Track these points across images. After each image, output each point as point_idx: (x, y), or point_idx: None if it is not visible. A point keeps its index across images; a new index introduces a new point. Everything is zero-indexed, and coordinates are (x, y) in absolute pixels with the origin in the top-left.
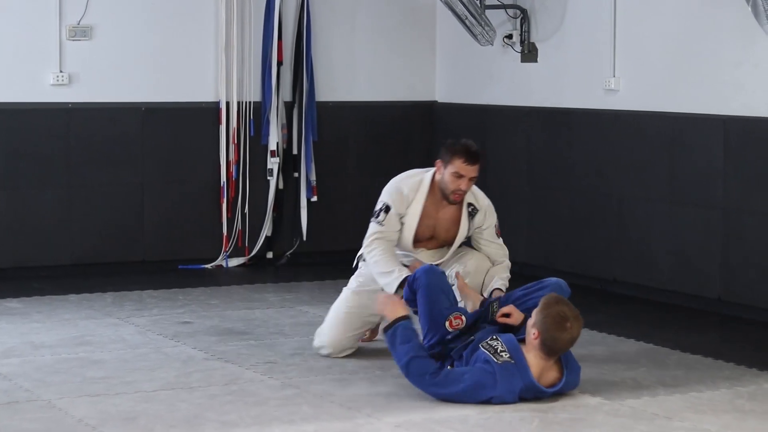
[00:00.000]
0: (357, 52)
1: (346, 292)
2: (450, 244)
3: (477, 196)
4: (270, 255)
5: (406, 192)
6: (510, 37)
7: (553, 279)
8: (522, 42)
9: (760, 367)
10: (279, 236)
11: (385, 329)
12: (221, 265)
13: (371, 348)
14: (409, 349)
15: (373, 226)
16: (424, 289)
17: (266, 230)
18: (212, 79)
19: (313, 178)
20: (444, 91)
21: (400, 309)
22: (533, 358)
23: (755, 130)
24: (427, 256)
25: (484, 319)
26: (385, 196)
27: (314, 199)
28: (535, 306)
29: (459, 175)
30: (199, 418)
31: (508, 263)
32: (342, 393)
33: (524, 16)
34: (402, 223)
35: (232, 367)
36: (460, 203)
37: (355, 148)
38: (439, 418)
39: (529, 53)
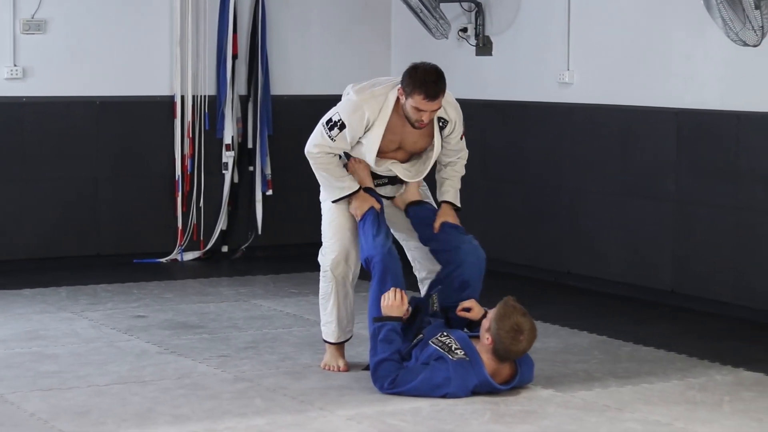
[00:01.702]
0: (312, 45)
1: (328, 206)
2: (417, 154)
3: (446, 107)
4: (225, 249)
5: (368, 115)
6: (465, 30)
7: (470, 249)
8: (477, 35)
9: (711, 359)
10: (234, 230)
11: (375, 320)
12: (176, 259)
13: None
14: (386, 349)
15: (322, 136)
16: (378, 278)
17: (221, 224)
18: (167, 72)
19: (268, 171)
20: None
21: (367, 203)
22: (487, 359)
23: (707, 122)
24: (400, 170)
25: (425, 311)
26: (344, 111)
27: (269, 192)
28: (460, 287)
29: (419, 110)
30: (151, 411)
31: (463, 163)
32: (295, 386)
33: (479, 10)
34: (359, 143)
35: (185, 360)
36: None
37: None
38: (391, 410)
39: (484, 47)
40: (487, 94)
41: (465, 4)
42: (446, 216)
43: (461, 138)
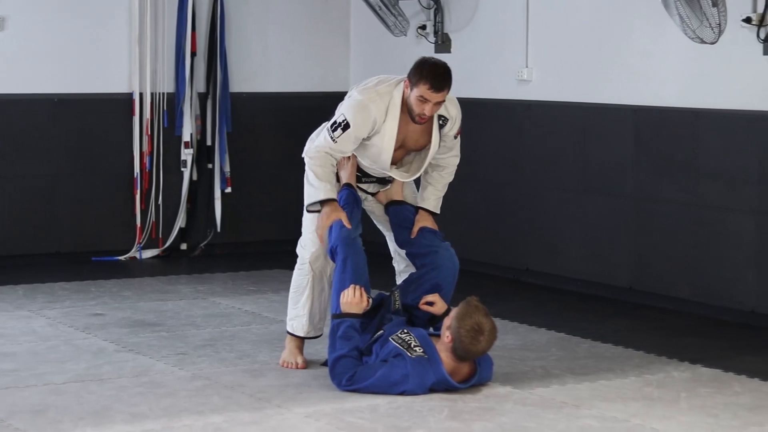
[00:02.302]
0: (271, 42)
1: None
2: (418, 151)
3: (447, 105)
4: (184, 246)
5: (374, 115)
6: (423, 27)
7: (444, 258)
8: (435, 33)
9: (669, 355)
10: (193, 228)
11: (334, 317)
12: (135, 257)
13: (282, 339)
14: (344, 346)
15: (325, 138)
16: (339, 266)
17: (180, 222)
18: (125, 70)
19: (227, 169)
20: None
21: (334, 216)
22: (446, 358)
23: (665, 119)
24: (397, 174)
25: (387, 307)
26: (349, 111)
27: (228, 190)
28: (431, 289)
29: (424, 100)
30: (108, 409)
31: (451, 170)
32: (252, 384)
33: (438, 7)
34: (370, 145)
35: (142, 358)
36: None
37: (269, 139)
38: (349, 407)
39: (443, 44)
40: None
41: (424, 2)
42: (425, 221)
43: (456, 136)
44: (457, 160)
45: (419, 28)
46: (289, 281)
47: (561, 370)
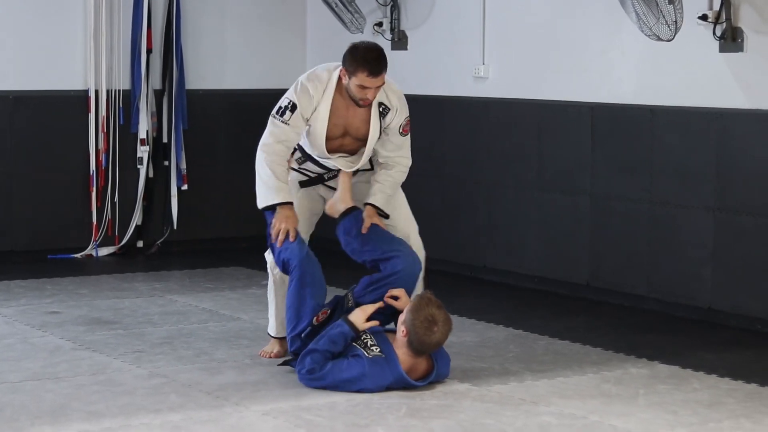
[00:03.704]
0: (227, 39)
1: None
2: (364, 141)
3: (388, 94)
4: (140, 244)
5: (312, 93)
6: (380, 24)
7: (406, 262)
8: (392, 30)
9: (626, 352)
10: (149, 225)
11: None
12: (91, 255)
13: (239, 336)
14: (326, 345)
15: (275, 126)
16: (296, 283)
17: (136, 219)
18: (81, 66)
19: (184, 166)
20: None
21: (290, 221)
22: (402, 354)
23: (622, 117)
24: (342, 163)
25: (341, 308)
26: (291, 94)
27: (185, 187)
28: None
29: (364, 87)
30: (65, 408)
31: (401, 169)
32: (210, 382)
33: (394, 4)
34: (309, 126)
35: (99, 356)
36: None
37: (226, 136)
38: (307, 405)
39: (399, 41)
40: (403, 89)
41: None
42: (373, 218)
43: (403, 132)
44: (408, 162)
45: (376, 25)
46: (246, 278)
47: (519, 367)
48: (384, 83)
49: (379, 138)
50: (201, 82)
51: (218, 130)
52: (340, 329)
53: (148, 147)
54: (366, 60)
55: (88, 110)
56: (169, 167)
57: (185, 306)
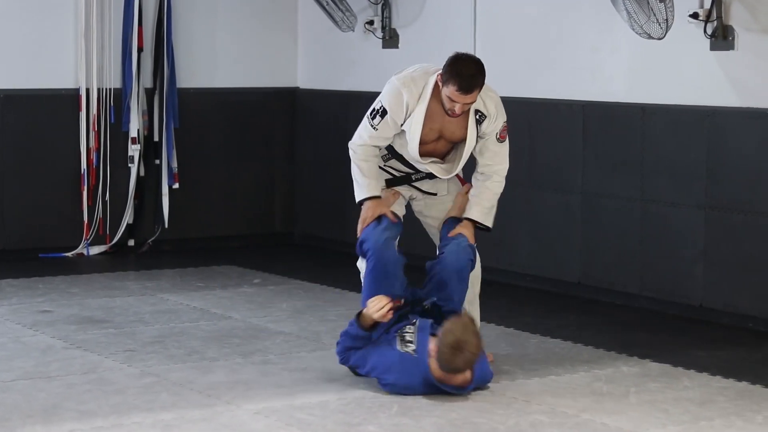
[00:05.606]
0: (218, 38)
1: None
2: (457, 144)
3: (485, 100)
4: (131, 243)
5: (406, 98)
6: (371, 23)
7: (454, 250)
8: (383, 28)
9: (618, 350)
10: (140, 224)
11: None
12: (82, 254)
13: (231, 335)
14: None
15: (365, 128)
16: (368, 274)
17: (127, 218)
18: (72, 65)
19: (175, 165)
20: (306, 78)
21: (378, 210)
22: (433, 363)
23: (613, 115)
24: (437, 169)
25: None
26: (386, 97)
27: (176, 186)
28: (437, 286)
29: (453, 100)
30: (57, 407)
31: (498, 179)
32: (202, 380)
33: (385, 2)
34: (402, 130)
35: (91, 355)
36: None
37: (217, 135)
38: (299, 404)
39: (391, 39)
40: None
41: None
42: (461, 228)
43: (500, 139)
44: (505, 169)
45: (367, 23)
46: (237, 277)
47: (511, 366)
48: (474, 101)
49: (476, 145)
50: (192, 81)
51: (209, 128)
52: (352, 327)
53: (139, 145)
54: (460, 75)
55: (79, 109)
56: (160, 166)
57: (176, 305)
